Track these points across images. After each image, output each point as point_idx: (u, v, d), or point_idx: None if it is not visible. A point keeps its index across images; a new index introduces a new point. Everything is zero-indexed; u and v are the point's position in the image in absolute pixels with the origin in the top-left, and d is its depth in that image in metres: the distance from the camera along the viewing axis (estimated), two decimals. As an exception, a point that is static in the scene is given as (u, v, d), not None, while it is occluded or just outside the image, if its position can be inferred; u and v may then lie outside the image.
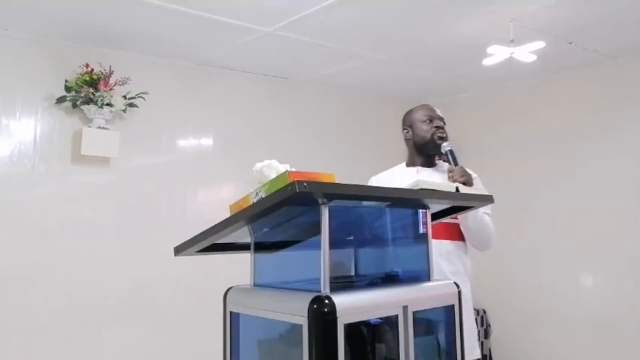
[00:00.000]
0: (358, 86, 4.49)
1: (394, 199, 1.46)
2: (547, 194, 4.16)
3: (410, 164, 2.37)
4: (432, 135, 2.26)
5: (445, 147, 2.23)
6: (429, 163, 2.33)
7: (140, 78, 3.42)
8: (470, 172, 2.21)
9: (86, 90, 3.14)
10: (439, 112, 2.34)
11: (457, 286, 1.55)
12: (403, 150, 5.47)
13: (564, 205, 4.05)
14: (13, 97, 3.09)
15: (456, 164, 2.19)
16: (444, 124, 2.33)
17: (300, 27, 3.12)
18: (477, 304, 4.57)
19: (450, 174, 2.16)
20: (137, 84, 3.37)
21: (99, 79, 3.19)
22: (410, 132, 2.33)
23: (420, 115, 2.32)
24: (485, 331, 4.49)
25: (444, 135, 2.28)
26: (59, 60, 3.22)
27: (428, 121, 2.29)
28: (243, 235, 1.52)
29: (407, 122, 2.37)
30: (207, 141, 3.82)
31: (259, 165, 1.58)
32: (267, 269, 1.54)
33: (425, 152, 2.30)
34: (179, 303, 3.52)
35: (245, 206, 1.33)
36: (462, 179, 2.11)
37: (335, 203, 1.28)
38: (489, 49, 3.17)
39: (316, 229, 1.26)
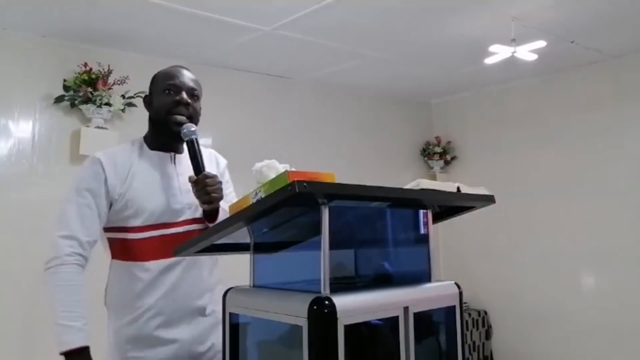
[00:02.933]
0: (358, 86, 4.48)
1: (394, 199, 1.45)
2: (548, 193, 4.15)
3: (155, 145, 1.76)
4: (171, 111, 1.68)
5: (186, 133, 1.65)
6: (174, 148, 1.77)
7: (139, 77, 3.40)
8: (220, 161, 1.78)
9: (85, 90, 3.13)
10: (190, 80, 1.74)
11: (458, 287, 1.54)
12: (403, 150, 5.45)
13: (565, 205, 4.04)
14: (11, 96, 3.08)
15: (197, 163, 1.65)
16: (196, 98, 1.76)
17: (300, 27, 3.11)
18: (479, 305, 4.56)
19: (195, 188, 1.62)
20: (136, 84, 3.36)
21: (97, 78, 3.17)
22: (151, 103, 1.75)
23: (160, 84, 1.71)
24: (486, 332, 4.48)
25: (183, 114, 1.68)
26: (58, 60, 3.21)
27: (169, 91, 1.69)
28: (242, 235, 1.51)
29: (149, 91, 1.79)
30: (206, 141, 3.80)
31: (258, 165, 1.56)
32: (267, 270, 1.53)
33: (162, 132, 1.72)
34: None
35: (244, 206, 1.32)
36: (207, 197, 1.61)
37: (336, 203, 1.27)
38: (491, 48, 3.17)
39: (316, 230, 1.25)
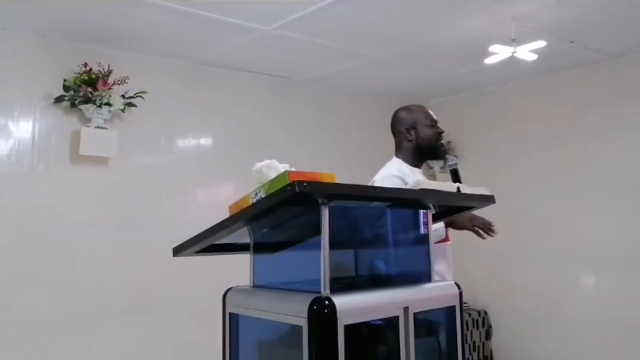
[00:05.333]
0: (358, 86, 4.48)
1: (394, 199, 1.45)
2: (548, 193, 4.15)
3: (414, 165, 2.31)
4: (437, 140, 2.27)
5: (451, 165, 2.18)
6: (420, 165, 2.33)
7: (139, 77, 3.41)
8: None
9: (85, 90, 3.13)
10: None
11: (458, 287, 1.54)
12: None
13: (565, 205, 4.04)
14: (11, 96, 3.08)
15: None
16: None
17: (300, 27, 3.10)
18: (479, 305, 4.56)
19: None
20: (136, 84, 3.36)
21: (97, 78, 3.17)
22: (413, 134, 2.27)
23: (423, 118, 2.28)
24: (486, 332, 4.48)
25: (443, 141, 2.32)
26: (58, 60, 3.20)
27: (431, 125, 2.27)
28: (242, 235, 1.51)
29: (410, 123, 2.28)
30: (207, 141, 3.80)
31: (258, 165, 1.56)
32: (267, 270, 1.52)
33: (426, 156, 2.31)
34: (178, 303, 3.50)
35: (244, 206, 1.32)
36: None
37: (335, 203, 1.26)
38: (491, 48, 3.16)
39: (316, 230, 1.24)
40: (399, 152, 2.31)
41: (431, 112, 2.32)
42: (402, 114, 2.31)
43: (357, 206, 1.47)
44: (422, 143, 2.26)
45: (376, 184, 2.20)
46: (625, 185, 3.74)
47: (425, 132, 2.25)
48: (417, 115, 2.28)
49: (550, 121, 4.18)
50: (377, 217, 1.57)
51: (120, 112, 3.32)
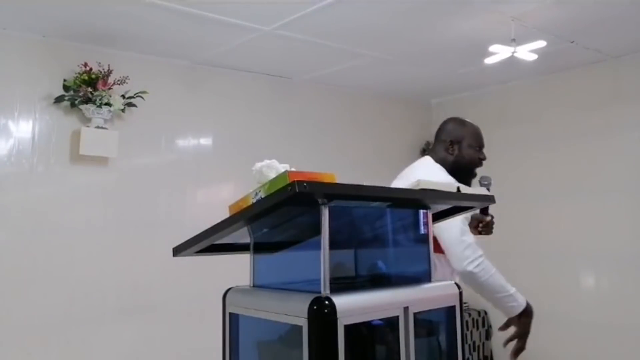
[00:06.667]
0: (358, 86, 4.48)
1: (394, 199, 1.45)
2: (548, 193, 4.15)
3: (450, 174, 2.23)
4: (476, 166, 2.23)
5: (485, 183, 2.15)
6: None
7: (139, 77, 3.41)
8: None
9: (85, 90, 3.13)
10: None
11: (458, 287, 1.54)
12: (403, 150, 5.44)
13: (565, 205, 4.04)
14: (11, 96, 3.08)
15: (488, 208, 2.12)
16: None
17: (300, 26, 3.10)
18: (479, 305, 4.56)
19: (485, 224, 2.17)
20: (136, 84, 3.36)
21: (97, 78, 3.17)
22: (456, 149, 2.21)
23: (471, 139, 2.22)
24: (486, 332, 4.48)
25: (479, 167, 2.28)
26: (58, 60, 3.21)
27: (477, 149, 2.22)
28: (242, 235, 1.51)
29: (456, 137, 2.22)
30: (207, 141, 3.81)
31: (258, 165, 1.56)
32: (267, 270, 1.52)
33: (458, 174, 2.17)
34: (178, 303, 3.50)
35: (244, 206, 1.32)
36: (490, 232, 2.23)
37: (336, 203, 1.26)
38: (491, 48, 3.16)
39: (316, 230, 1.24)
40: (436, 156, 2.24)
41: (482, 136, 2.25)
42: (452, 126, 2.26)
43: (357, 206, 1.46)
44: (460, 162, 2.20)
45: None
46: (625, 185, 3.73)
47: (468, 153, 2.21)
48: (466, 132, 2.23)
49: (550, 121, 4.18)
50: (377, 217, 1.57)
51: (120, 112, 3.33)
